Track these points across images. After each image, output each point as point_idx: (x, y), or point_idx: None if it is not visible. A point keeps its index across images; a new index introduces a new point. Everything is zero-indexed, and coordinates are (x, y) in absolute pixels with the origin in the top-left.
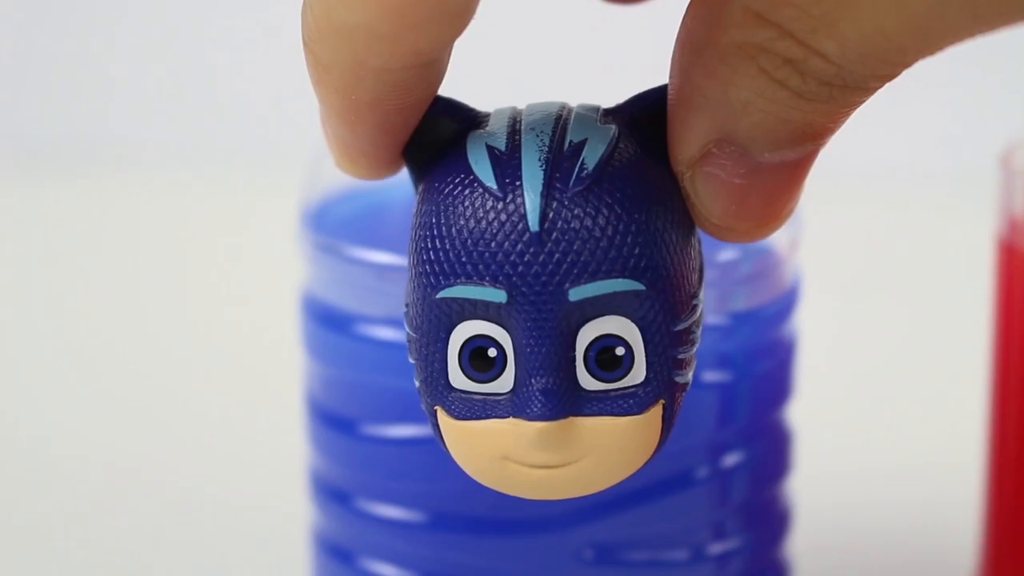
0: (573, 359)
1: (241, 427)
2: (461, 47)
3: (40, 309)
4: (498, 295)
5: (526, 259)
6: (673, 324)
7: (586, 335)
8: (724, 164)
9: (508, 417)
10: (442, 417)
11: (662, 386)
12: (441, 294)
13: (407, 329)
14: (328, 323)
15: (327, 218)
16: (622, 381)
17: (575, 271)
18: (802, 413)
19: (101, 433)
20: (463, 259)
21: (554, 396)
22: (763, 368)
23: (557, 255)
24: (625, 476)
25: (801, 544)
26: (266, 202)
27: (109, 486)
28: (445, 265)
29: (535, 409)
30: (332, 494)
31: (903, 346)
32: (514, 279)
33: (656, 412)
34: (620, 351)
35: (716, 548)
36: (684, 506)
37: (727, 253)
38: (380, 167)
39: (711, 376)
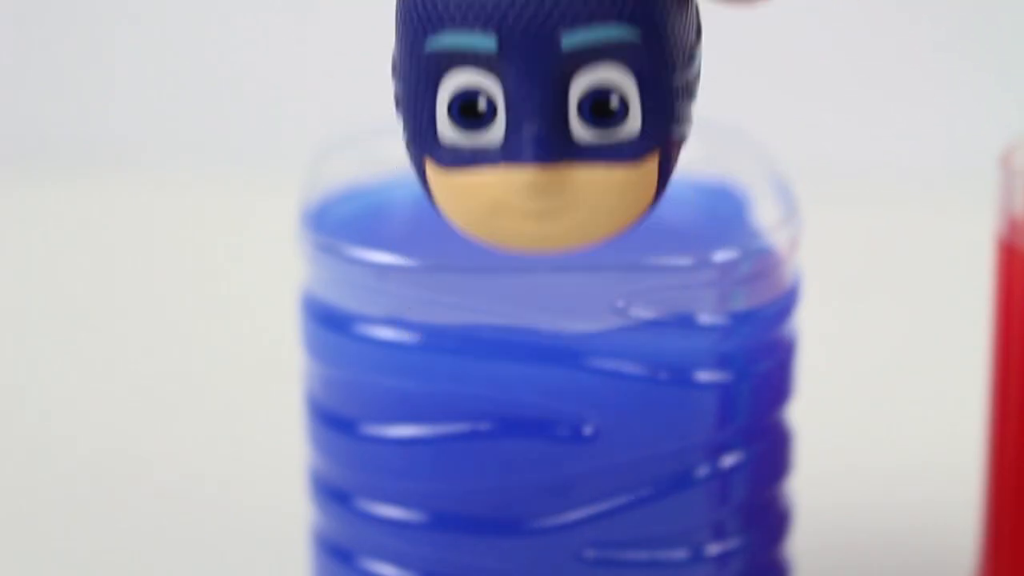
0: (566, 108)
1: (242, 426)
2: None
3: (39, 309)
4: (488, 42)
5: (517, 3)
6: (670, 75)
7: (580, 84)
8: None
9: (499, 164)
10: (431, 169)
11: (658, 138)
12: (429, 42)
13: (393, 82)
14: (328, 323)
15: (327, 218)
16: (616, 131)
17: (568, 16)
18: (802, 413)
19: (101, 431)
20: (451, 4)
21: (546, 141)
22: (763, 368)
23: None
24: (618, 229)
25: (801, 544)
26: (267, 201)
27: (108, 484)
28: (433, 11)
29: (527, 153)
30: (332, 494)
31: (903, 346)
32: (505, 24)
33: (651, 164)
34: (615, 100)
35: (716, 548)
36: (684, 506)
37: (726, 253)
38: None
39: (710, 376)
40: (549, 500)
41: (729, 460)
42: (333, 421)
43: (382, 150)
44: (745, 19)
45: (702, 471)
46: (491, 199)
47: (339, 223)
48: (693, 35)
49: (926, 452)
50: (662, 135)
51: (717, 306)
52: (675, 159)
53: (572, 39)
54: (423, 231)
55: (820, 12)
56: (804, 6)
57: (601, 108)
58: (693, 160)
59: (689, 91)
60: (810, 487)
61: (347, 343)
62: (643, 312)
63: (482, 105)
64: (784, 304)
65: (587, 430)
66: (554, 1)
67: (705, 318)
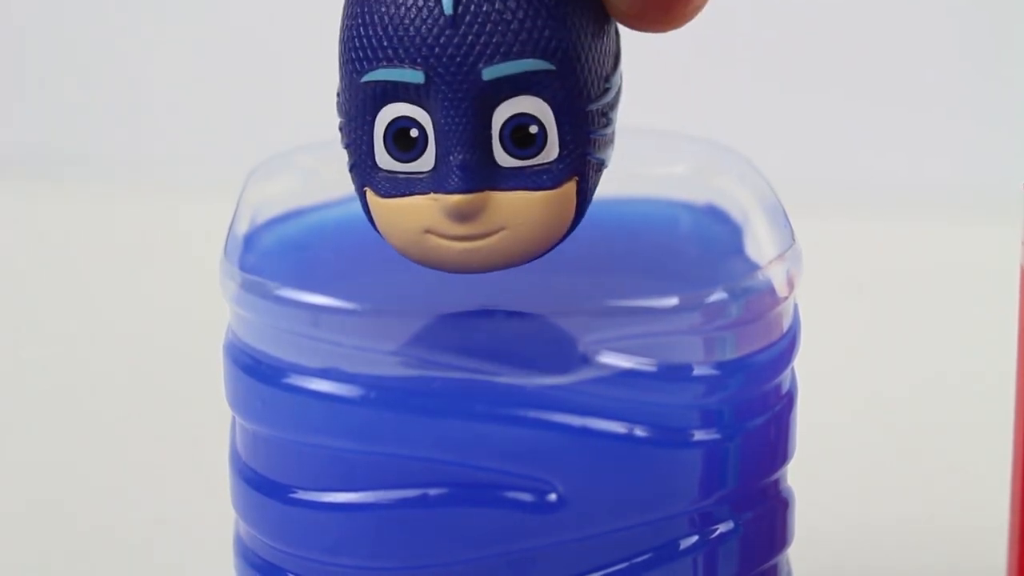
0: (490, 137)
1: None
2: None
3: None
4: (416, 76)
5: (441, 41)
6: (585, 104)
7: (501, 114)
8: None
9: (429, 193)
10: (371, 197)
11: (576, 163)
12: (365, 78)
13: (338, 116)
14: (255, 373)
15: (254, 250)
16: (536, 158)
17: (488, 52)
18: (807, 467)
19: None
20: (384, 43)
21: (470, 170)
22: (756, 425)
23: (471, 37)
24: (541, 249)
25: None
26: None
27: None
28: (368, 50)
29: (452, 182)
30: (260, 568)
31: (923, 377)
32: (431, 60)
33: (570, 187)
34: (533, 129)
35: None
36: None
37: (714, 294)
38: None
39: (696, 435)
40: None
41: (718, 531)
42: (261, 485)
43: (323, 168)
44: (748, 30)
45: (686, 543)
46: (421, 223)
47: (268, 256)
48: (610, 64)
49: (950, 506)
50: (579, 161)
51: (702, 355)
52: (595, 182)
53: (492, 72)
54: (366, 265)
55: (831, 26)
56: (815, 17)
57: (521, 136)
58: (683, 180)
59: (606, 118)
60: (809, 549)
61: (277, 396)
62: (617, 361)
63: (414, 133)
64: (780, 351)
65: (552, 497)
66: (475, 37)
67: (689, 368)
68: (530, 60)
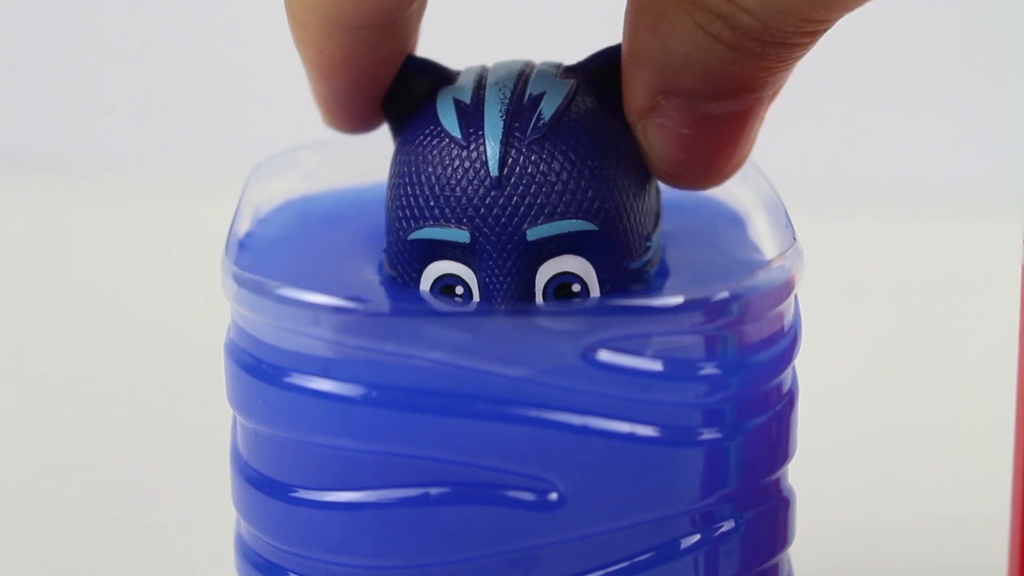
0: (533, 294)
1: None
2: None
3: None
4: (462, 236)
5: (487, 202)
6: (626, 263)
7: (545, 273)
8: (672, 115)
9: None
10: None
11: None
12: (412, 236)
13: (387, 269)
14: (256, 372)
15: (255, 249)
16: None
17: (532, 213)
18: (807, 466)
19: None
20: (431, 203)
21: None
22: (758, 424)
23: (515, 198)
24: None
25: None
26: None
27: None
28: (415, 210)
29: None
30: (261, 568)
31: (925, 374)
32: (476, 221)
33: None
34: (576, 287)
35: None
36: None
37: (715, 293)
38: (359, 121)
39: (697, 433)
40: None
41: (719, 530)
42: (262, 484)
43: (324, 166)
44: None
45: (687, 542)
46: None
47: (269, 255)
48: (651, 223)
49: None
50: None
51: (704, 352)
52: None
53: (536, 233)
54: (367, 263)
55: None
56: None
57: (564, 291)
58: None
59: (646, 276)
60: (810, 549)
61: (278, 395)
62: (618, 360)
63: (459, 290)
64: (781, 350)
65: (553, 496)
66: (520, 199)
67: (690, 366)
68: (574, 221)
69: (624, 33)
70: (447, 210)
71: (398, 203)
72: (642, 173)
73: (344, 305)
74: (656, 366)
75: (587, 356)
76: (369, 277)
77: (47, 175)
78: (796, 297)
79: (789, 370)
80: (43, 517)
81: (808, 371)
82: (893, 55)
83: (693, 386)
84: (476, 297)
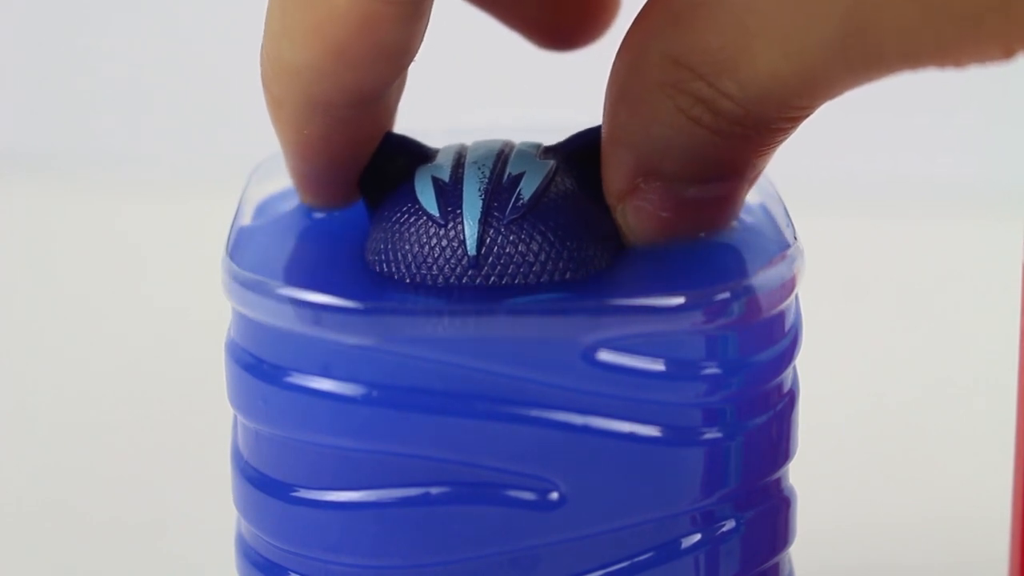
0: None
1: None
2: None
3: None
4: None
5: (464, 281)
6: None
7: None
8: (652, 198)
9: None
10: None
11: None
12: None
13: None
14: (256, 371)
15: (255, 248)
16: None
17: (510, 292)
18: (806, 465)
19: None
20: (406, 281)
21: None
22: (758, 423)
23: (493, 277)
24: None
25: None
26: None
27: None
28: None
29: None
30: (262, 567)
31: (928, 378)
32: (455, 297)
33: None
34: None
35: None
36: None
37: (716, 293)
38: (336, 198)
39: (698, 433)
40: (511, 575)
41: (719, 529)
42: (262, 483)
43: None
44: None
45: (688, 542)
46: None
47: (270, 255)
48: None
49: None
50: None
51: (705, 352)
52: None
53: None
54: (364, 260)
55: None
56: None
57: None
58: None
59: None
60: (813, 549)
61: (278, 395)
62: (619, 360)
63: None
64: (782, 349)
65: (554, 495)
66: (498, 278)
67: (691, 366)
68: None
69: (604, 114)
70: (422, 289)
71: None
72: (614, 233)
73: (345, 305)
74: (657, 366)
75: (587, 356)
76: (370, 275)
77: (46, 175)
78: (797, 297)
79: (790, 370)
80: (43, 517)
81: (808, 371)
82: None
83: (694, 386)
84: None
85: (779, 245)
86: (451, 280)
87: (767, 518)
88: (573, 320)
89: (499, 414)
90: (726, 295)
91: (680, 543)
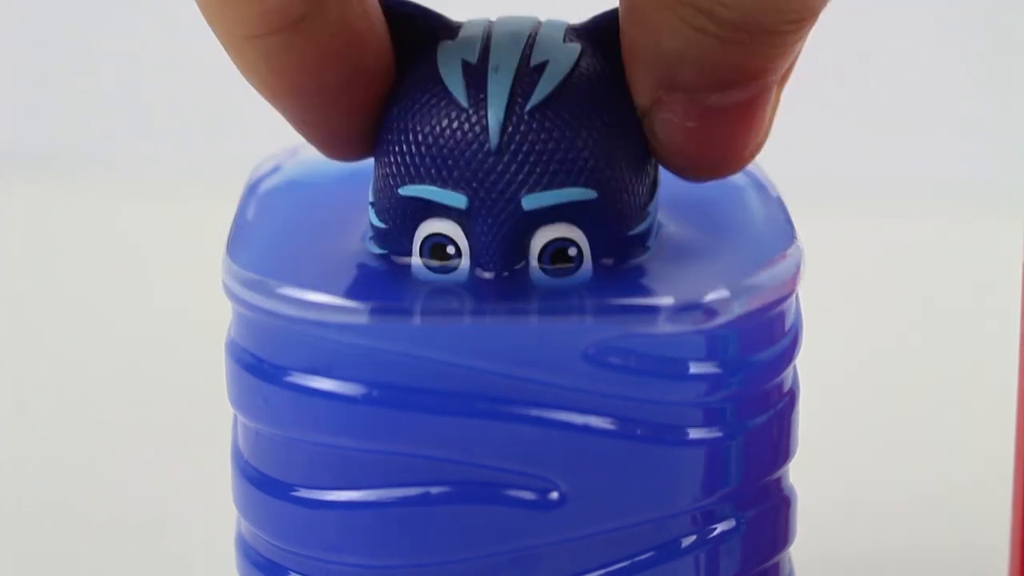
0: (526, 260)
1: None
2: None
3: None
4: (459, 200)
5: (486, 168)
6: (624, 230)
7: (539, 239)
8: (676, 109)
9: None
10: None
11: None
12: (406, 190)
13: (375, 221)
14: (256, 371)
15: (256, 247)
16: (568, 280)
17: (531, 181)
18: (806, 465)
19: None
20: (428, 163)
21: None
22: (758, 423)
23: (514, 166)
24: None
25: None
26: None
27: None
28: (411, 168)
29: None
30: (262, 567)
31: (929, 377)
32: (474, 185)
33: None
34: (572, 251)
35: None
36: None
37: (716, 293)
38: (350, 142)
39: (698, 433)
40: (511, 575)
41: (719, 529)
42: (262, 483)
43: (325, 165)
44: None
45: (688, 542)
46: None
47: (270, 254)
48: (649, 192)
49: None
50: None
51: (705, 352)
52: None
53: (532, 201)
54: (370, 260)
55: (835, 23)
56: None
57: (560, 257)
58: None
59: (643, 244)
60: (813, 548)
61: (278, 394)
62: (618, 359)
63: (451, 250)
64: (782, 349)
65: (554, 495)
66: (519, 167)
67: (691, 366)
68: (572, 190)
69: (621, 31)
70: (445, 172)
71: (391, 159)
72: (642, 141)
73: (345, 304)
74: (656, 365)
75: (588, 356)
76: (371, 275)
77: (46, 175)
78: (797, 297)
79: (790, 369)
80: (43, 516)
81: (808, 371)
82: (894, 55)
83: (694, 385)
84: (466, 258)
85: (779, 245)
86: (472, 166)
87: (767, 518)
88: (573, 320)
89: (499, 414)
90: (726, 295)
91: (680, 543)
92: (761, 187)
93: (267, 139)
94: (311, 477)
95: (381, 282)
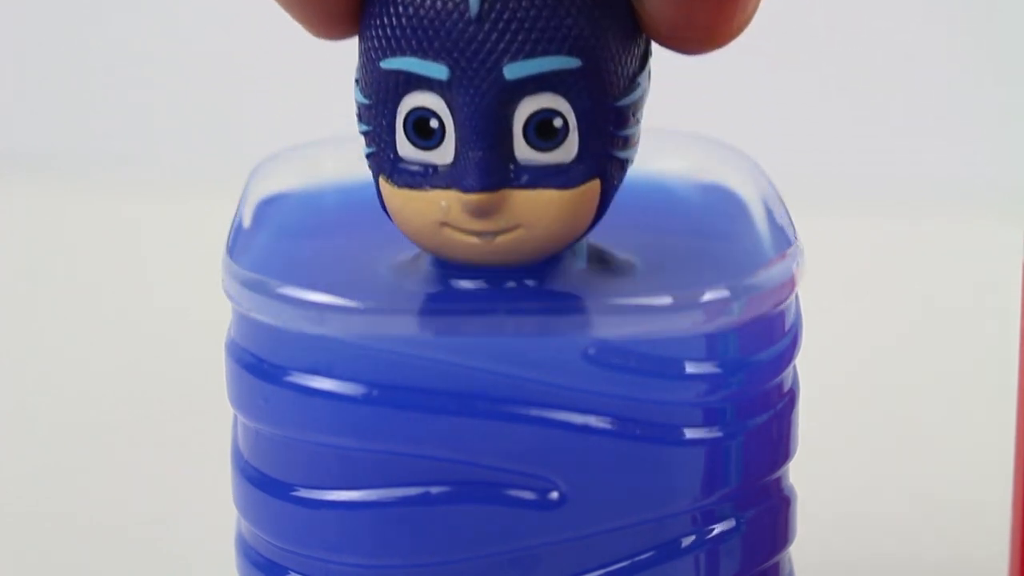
0: (510, 133)
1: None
2: None
3: None
4: (440, 71)
5: (467, 37)
6: (609, 101)
7: (523, 110)
8: None
9: (447, 188)
10: (387, 186)
11: (597, 163)
12: (387, 64)
13: (359, 98)
14: (256, 371)
15: (256, 247)
16: (556, 152)
17: (512, 49)
18: (806, 465)
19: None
20: (408, 34)
21: (489, 168)
22: (758, 423)
23: (495, 34)
24: (558, 247)
25: None
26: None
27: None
28: (392, 40)
29: (470, 180)
30: (262, 567)
31: (929, 377)
32: (455, 55)
33: (591, 188)
34: (558, 122)
35: None
36: None
37: (716, 293)
38: (325, 23)
39: (697, 433)
40: (511, 575)
41: (719, 529)
42: (262, 483)
43: (326, 165)
44: (750, 26)
45: (687, 541)
46: (437, 217)
47: (270, 254)
48: (637, 63)
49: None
50: (602, 160)
51: (705, 352)
52: (619, 181)
53: (515, 71)
54: (369, 260)
55: (835, 22)
56: (819, 14)
57: (544, 130)
58: (684, 178)
59: (632, 116)
60: (813, 548)
61: (278, 394)
62: (618, 359)
63: (434, 124)
64: (782, 349)
65: (554, 495)
66: (500, 35)
67: (691, 366)
68: (554, 58)
69: None
70: (426, 43)
71: (374, 32)
72: (629, 11)
73: (345, 304)
74: (656, 365)
75: (587, 355)
76: (371, 275)
77: (46, 175)
78: (797, 297)
79: (790, 369)
80: (43, 516)
81: (808, 371)
82: (894, 54)
83: (693, 385)
84: (450, 133)
85: (779, 245)
86: (452, 36)
87: (767, 517)
88: (573, 320)
89: (499, 414)
90: (725, 294)
91: (680, 542)
92: (761, 187)
93: (267, 139)
94: (311, 477)
95: (381, 282)
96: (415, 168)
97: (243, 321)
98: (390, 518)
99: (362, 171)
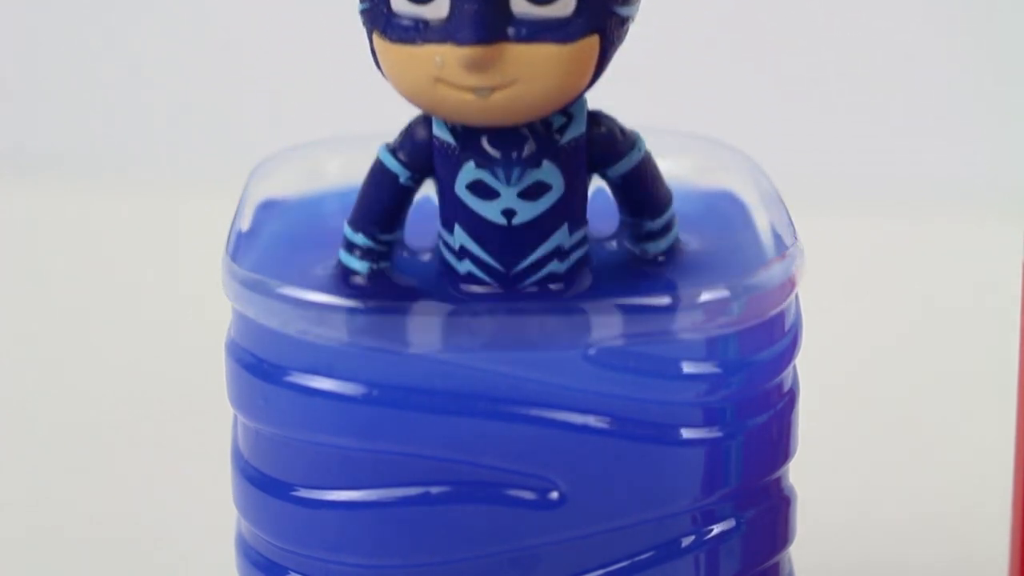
0: (508, 17)
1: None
2: None
3: None
4: None
5: None
6: None
7: None
8: None
9: (442, 42)
10: (380, 42)
11: (597, 18)
12: None
13: None
14: (256, 371)
15: (256, 247)
16: (554, 7)
17: None
18: (806, 465)
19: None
20: None
21: (485, 20)
22: (758, 423)
23: None
24: (555, 105)
25: None
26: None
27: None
28: None
29: (466, 33)
30: (262, 567)
31: (929, 377)
32: None
33: (589, 43)
34: None
35: None
36: None
37: (715, 293)
38: None
39: (697, 433)
40: (511, 575)
41: (718, 528)
42: (262, 482)
43: (326, 165)
44: (751, 26)
45: (688, 541)
46: (432, 72)
47: (270, 254)
48: None
49: (948, 506)
50: (601, 15)
51: (705, 352)
52: (618, 38)
53: None
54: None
55: (835, 22)
56: (819, 13)
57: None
58: (685, 178)
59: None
60: (813, 548)
61: (278, 394)
62: (618, 359)
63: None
64: (782, 349)
65: (554, 495)
66: None
67: (690, 366)
68: None
69: None
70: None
71: None
72: None
73: (345, 304)
74: (656, 365)
75: (587, 356)
76: (371, 275)
77: (46, 175)
78: (797, 297)
79: (790, 369)
80: (42, 516)
81: (809, 371)
82: (893, 55)
83: (693, 385)
84: (445, 13)
85: (779, 245)
86: None
87: (767, 517)
88: (573, 320)
89: (499, 414)
90: (726, 294)
91: (680, 542)
92: (761, 187)
93: (267, 139)
94: (311, 477)
95: (381, 282)
96: (408, 22)
97: (243, 321)
98: (390, 518)
99: (362, 172)
